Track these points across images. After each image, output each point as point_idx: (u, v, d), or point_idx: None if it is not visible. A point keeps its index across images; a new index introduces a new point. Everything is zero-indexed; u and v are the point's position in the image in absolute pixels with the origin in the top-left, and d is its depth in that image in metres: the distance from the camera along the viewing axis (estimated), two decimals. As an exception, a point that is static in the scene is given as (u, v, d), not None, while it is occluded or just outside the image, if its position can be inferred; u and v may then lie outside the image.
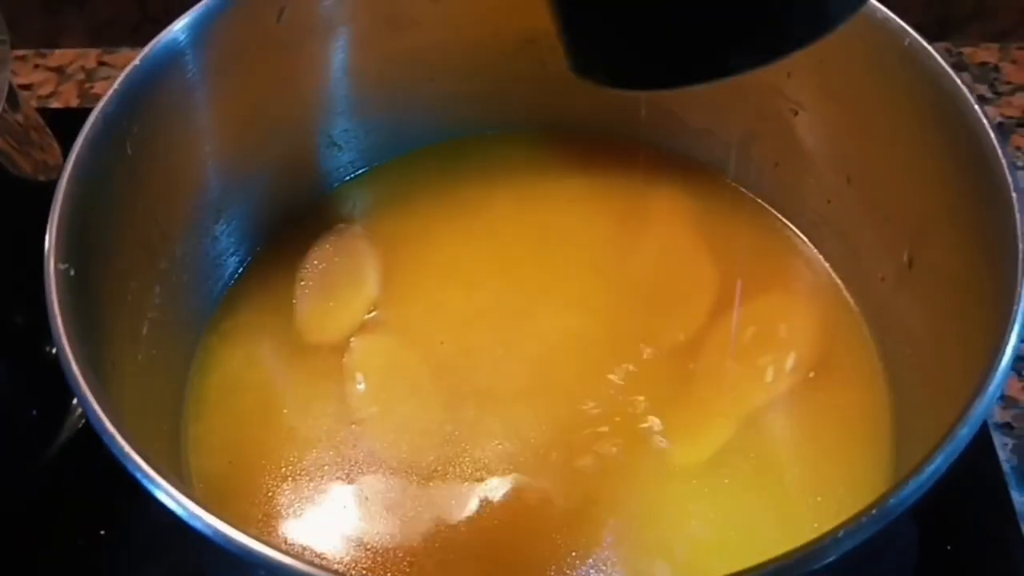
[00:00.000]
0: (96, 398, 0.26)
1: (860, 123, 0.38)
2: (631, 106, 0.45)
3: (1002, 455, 0.42)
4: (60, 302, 0.28)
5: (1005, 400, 0.45)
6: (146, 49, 0.33)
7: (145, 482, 0.25)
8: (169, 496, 0.25)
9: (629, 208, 0.45)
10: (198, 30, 0.35)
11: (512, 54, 0.44)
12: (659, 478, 0.37)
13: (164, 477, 0.25)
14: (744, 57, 0.23)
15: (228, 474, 0.38)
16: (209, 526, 0.24)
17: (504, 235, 0.45)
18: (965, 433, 0.24)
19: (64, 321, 0.28)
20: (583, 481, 0.37)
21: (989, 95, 0.57)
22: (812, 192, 0.42)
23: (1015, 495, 0.41)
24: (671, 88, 0.24)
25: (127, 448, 0.25)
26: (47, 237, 0.30)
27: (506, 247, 0.44)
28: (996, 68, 0.58)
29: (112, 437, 0.25)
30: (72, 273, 0.29)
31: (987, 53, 0.59)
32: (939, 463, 0.23)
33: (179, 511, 0.24)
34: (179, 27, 0.34)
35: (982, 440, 0.43)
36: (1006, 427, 0.44)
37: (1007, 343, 0.26)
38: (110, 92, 0.33)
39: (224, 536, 0.24)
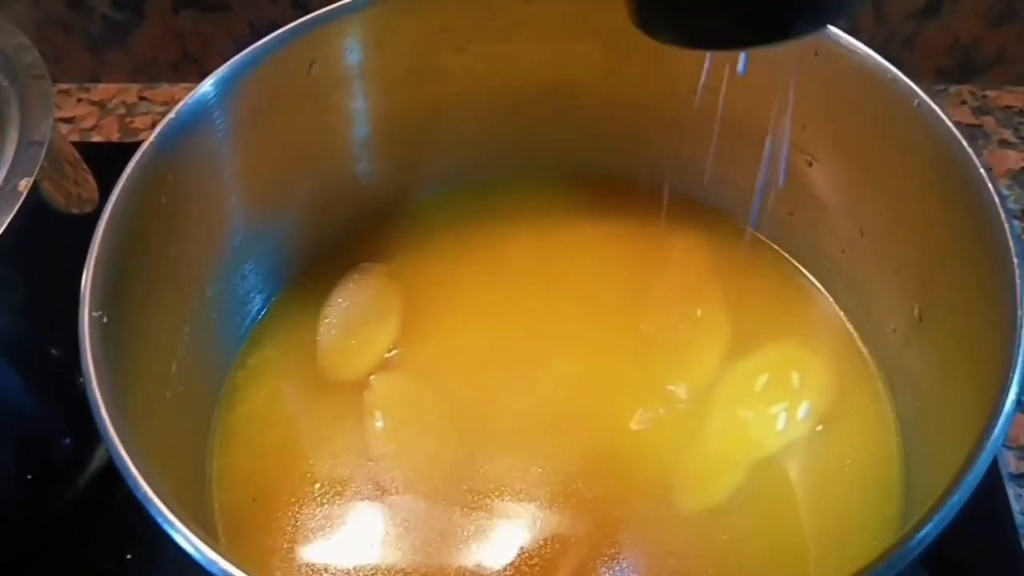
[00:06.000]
0: (122, 443, 0.28)
1: (871, 177, 0.39)
2: (650, 153, 0.46)
3: (1016, 506, 0.42)
4: (92, 349, 0.30)
5: (1020, 451, 0.44)
6: (179, 105, 0.35)
7: (166, 527, 0.26)
8: (187, 541, 0.26)
9: (647, 253, 0.46)
10: (228, 85, 0.36)
11: (534, 102, 0.45)
12: (668, 524, 0.37)
13: (184, 523, 0.26)
14: (804, 19, 0.24)
15: (251, 508, 0.39)
16: (226, 573, 0.25)
17: (523, 278, 0.46)
18: (970, 481, 0.24)
19: (96, 366, 0.29)
20: (593, 524, 0.37)
21: (1013, 140, 0.57)
22: (827, 242, 0.43)
23: (1028, 547, 0.41)
24: (729, 48, 0.25)
25: (150, 493, 0.26)
26: (82, 284, 0.31)
27: (525, 290, 0.45)
28: (1021, 112, 0.58)
29: (136, 482, 0.26)
30: (105, 320, 0.31)
31: (1012, 97, 0.59)
32: (937, 522, 0.24)
33: (196, 556, 0.26)
34: (209, 84, 0.36)
35: (995, 490, 0.43)
36: (1021, 478, 0.44)
37: (1002, 408, 0.26)
38: (145, 145, 0.34)
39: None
